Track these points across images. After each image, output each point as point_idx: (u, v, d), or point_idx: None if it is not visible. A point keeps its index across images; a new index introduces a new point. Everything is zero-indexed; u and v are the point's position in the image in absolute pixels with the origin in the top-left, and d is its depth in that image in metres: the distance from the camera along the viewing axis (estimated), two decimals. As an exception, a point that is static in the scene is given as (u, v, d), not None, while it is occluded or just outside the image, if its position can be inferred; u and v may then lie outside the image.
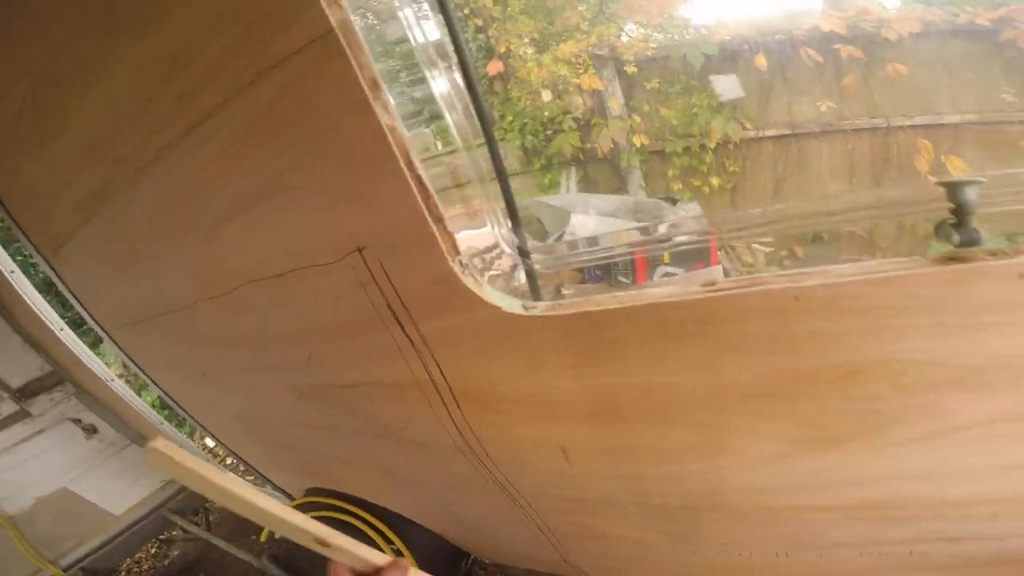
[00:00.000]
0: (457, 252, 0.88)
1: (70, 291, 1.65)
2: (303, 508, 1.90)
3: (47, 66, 1.05)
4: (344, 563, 0.68)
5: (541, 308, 0.88)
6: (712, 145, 5.18)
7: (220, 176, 0.99)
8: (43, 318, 1.97)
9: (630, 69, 5.35)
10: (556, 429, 1.04)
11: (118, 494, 2.63)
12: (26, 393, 2.34)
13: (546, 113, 5.52)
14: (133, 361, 1.86)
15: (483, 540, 1.75)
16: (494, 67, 5.65)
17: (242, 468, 2.26)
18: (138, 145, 1.05)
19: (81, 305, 1.69)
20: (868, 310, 0.66)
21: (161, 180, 1.09)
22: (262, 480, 2.22)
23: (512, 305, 0.89)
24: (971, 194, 0.63)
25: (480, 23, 5.74)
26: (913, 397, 0.72)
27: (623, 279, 2.79)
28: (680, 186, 5.36)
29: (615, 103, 5.40)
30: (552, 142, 5.49)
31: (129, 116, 1.01)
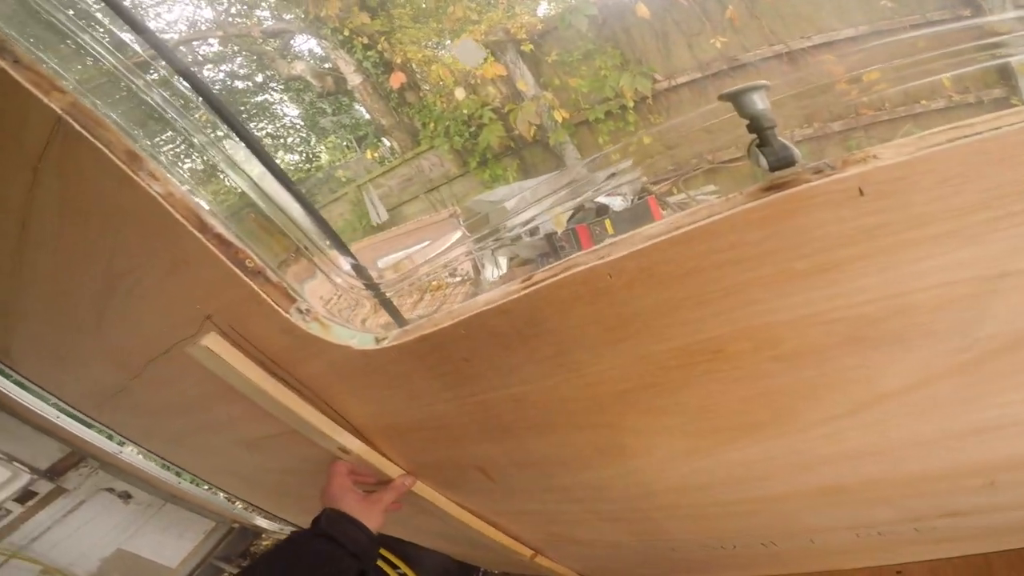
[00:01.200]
0: (291, 300, 0.83)
1: (36, 384, 1.71)
2: None
3: None
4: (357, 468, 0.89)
5: (391, 338, 0.82)
6: (631, 104, 5.19)
7: (69, 273, 0.98)
8: (36, 409, 2.06)
9: (527, 47, 5.30)
10: (462, 450, 1.00)
11: (169, 549, 2.79)
12: (56, 472, 2.49)
13: (464, 111, 5.44)
14: (120, 435, 1.93)
15: (479, 552, 1.73)
16: (396, 79, 5.56)
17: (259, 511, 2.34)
18: (3, 259, 1.04)
19: (53, 394, 1.75)
20: (692, 272, 0.56)
21: (36, 287, 1.08)
22: (280, 521, 2.29)
23: (364, 341, 0.84)
24: (759, 102, 0.52)
25: (366, 40, 5.62)
26: (807, 368, 0.63)
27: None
28: (614, 149, 5.27)
29: (524, 85, 5.31)
30: (479, 138, 5.39)
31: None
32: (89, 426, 1.92)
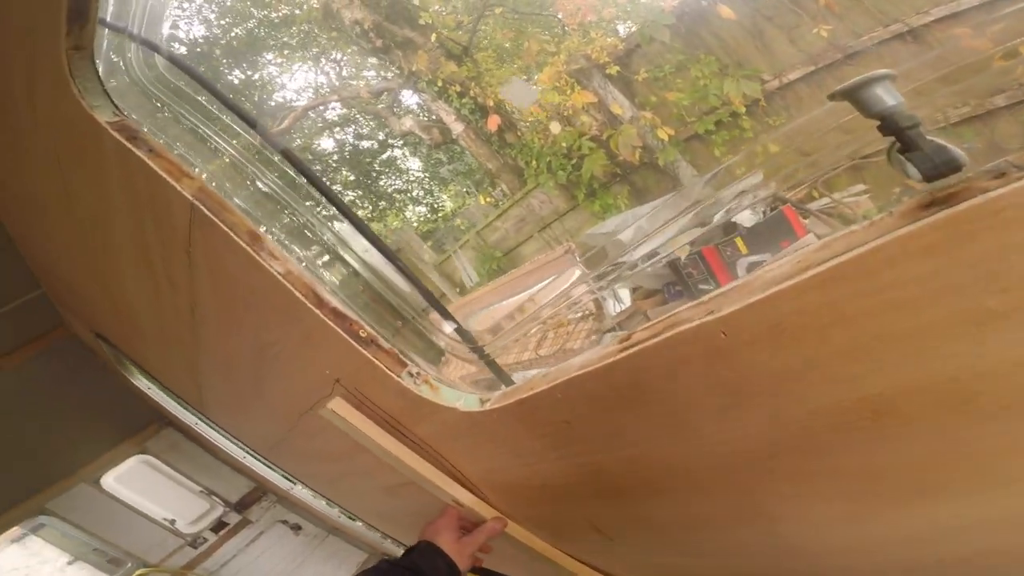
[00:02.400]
0: (403, 365, 0.87)
1: (222, 430, 2.03)
2: None
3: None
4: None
5: (493, 400, 0.81)
6: (742, 110, 4.60)
7: (230, 343, 1.14)
8: (227, 450, 2.43)
9: (613, 70, 5.04)
10: (573, 508, 0.93)
11: (332, 579, 3.08)
12: (243, 505, 2.92)
13: (563, 144, 5.35)
14: (289, 475, 2.19)
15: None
16: (492, 122, 5.69)
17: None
18: (183, 332, 1.26)
19: (235, 439, 2.07)
20: (837, 323, 0.45)
21: (210, 355, 1.29)
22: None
23: (469, 403, 0.84)
24: (885, 97, 0.40)
25: (458, 88, 5.86)
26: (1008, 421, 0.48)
27: (704, 286, 2.40)
28: (737, 162, 4.72)
29: (619, 108, 5.04)
30: (582, 170, 5.24)
31: (161, 319, 1.22)
32: (267, 466, 2.22)
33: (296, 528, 2.99)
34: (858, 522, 0.68)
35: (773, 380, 0.51)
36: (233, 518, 2.89)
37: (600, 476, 0.80)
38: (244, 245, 0.78)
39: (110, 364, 1.94)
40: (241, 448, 2.20)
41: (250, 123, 0.82)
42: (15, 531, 2.53)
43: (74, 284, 1.60)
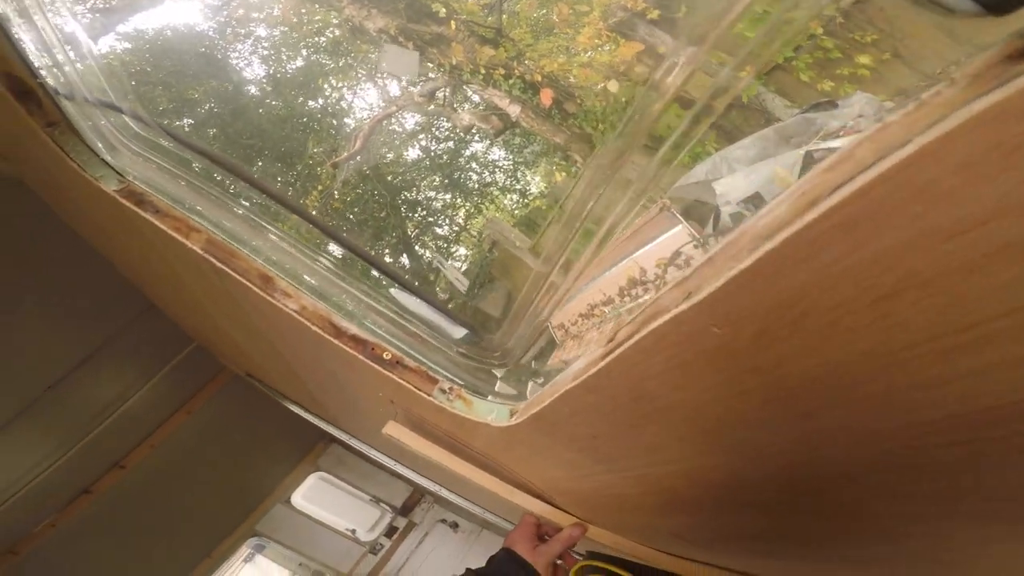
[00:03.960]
0: (433, 382, 0.81)
1: (360, 440, 2.22)
2: (585, 569, 1.94)
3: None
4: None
5: (519, 413, 0.70)
6: (819, 31, 3.59)
7: (311, 372, 1.20)
8: (380, 459, 2.65)
9: (653, 14, 4.23)
10: (646, 519, 0.78)
11: (486, 574, 3.21)
12: (407, 509, 3.17)
13: (624, 99, 4.73)
14: (423, 475, 2.31)
15: None
16: (546, 96, 5.22)
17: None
18: (282, 365, 1.37)
19: (372, 447, 2.24)
20: (905, 290, 0.26)
21: (312, 384, 1.38)
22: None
23: (501, 416, 0.75)
24: None
25: (503, 71, 5.48)
26: None
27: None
28: (831, 84, 3.74)
29: (666, 50, 4.25)
30: (657, 124, 4.53)
31: (264, 355, 1.33)
32: (409, 469, 2.36)
33: (454, 526, 3.17)
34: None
35: (816, 385, 0.32)
36: (401, 522, 3.14)
37: (660, 489, 0.65)
38: (257, 289, 0.78)
39: (268, 396, 2.23)
40: (383, 455, 2.38)
41: (257, 186, 0.83)
42: (244, 551, 3.05)
43: (206, 333, 1.87)
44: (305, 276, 0.84)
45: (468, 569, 0.91)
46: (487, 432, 0.79)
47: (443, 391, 0.80)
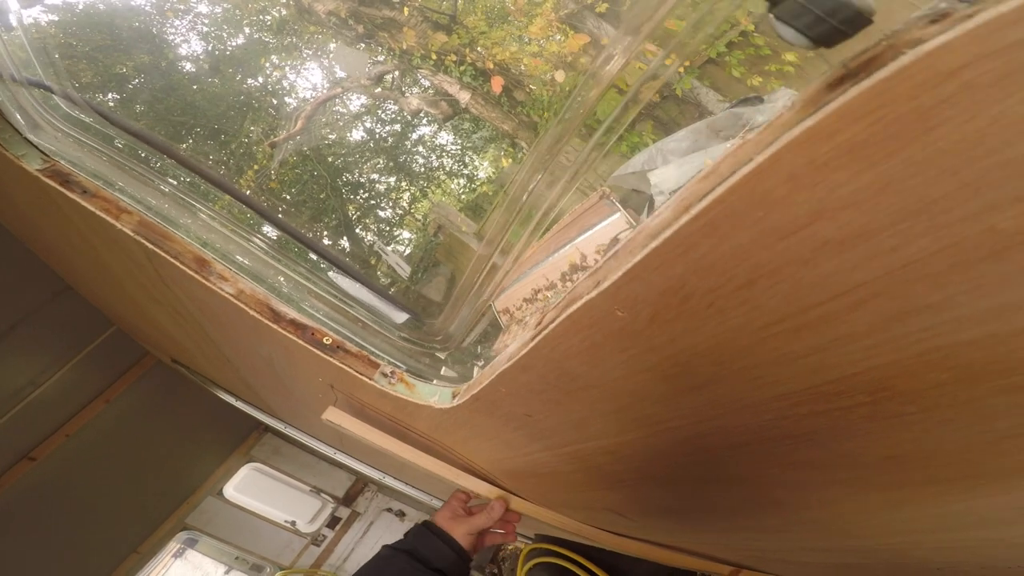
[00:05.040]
0: (375, 366, 0.82)
1: (297, 429, 2.18)
2: (533, 552, 2.01)
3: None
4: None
5: (460, 395, 0.74)
6: (751, 28, 3.97)
7: (245, 358, 1.18)
8: (320, 448, 2.62)
9: (602, 7, 4.47)
10: (583, 495, 0.84)
11: (439, 557, 3.25)
12: (349, 498, 3.15)
13: (567, 89, 4.93)
14: (366, 463, 2.30)
15: None
16: (496, 84, 5.32)
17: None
18: (213, 350, 1.33)
19: (310, 435, 2.20)
20: (763, 278, 0.32)
21: (245, 371, 1.35)
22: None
23: (444, 398, 0.78)
24: None
25: (454, 58, 5.53)
26: None
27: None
28: (759, 80, 4.11)
29: (622, 45, 4.47)
30: (598, 113, 4.75)
31: (194, 340, 1.29)
32: (351, 457, 2.36)
33: (400, 515, 3.18)
34: (909, 507, 0.53)
35: (708, 360, 0.38)
36: (344, 512, 3.12)
37: (589, 466, 0.71)
38: (192, 272, 0.77)
39: (196, 383, 2.14)
40: (322, 443, 2.35)
41: (195, 170, 0.81)
42: (174, 547, 2.92)
43: (129, 318, 1.77)
44: (241, 259, 0.83)
45: (384, 545, 0.93)
46: (430, 414, 0.82)
47: (385, 375, 0.82)
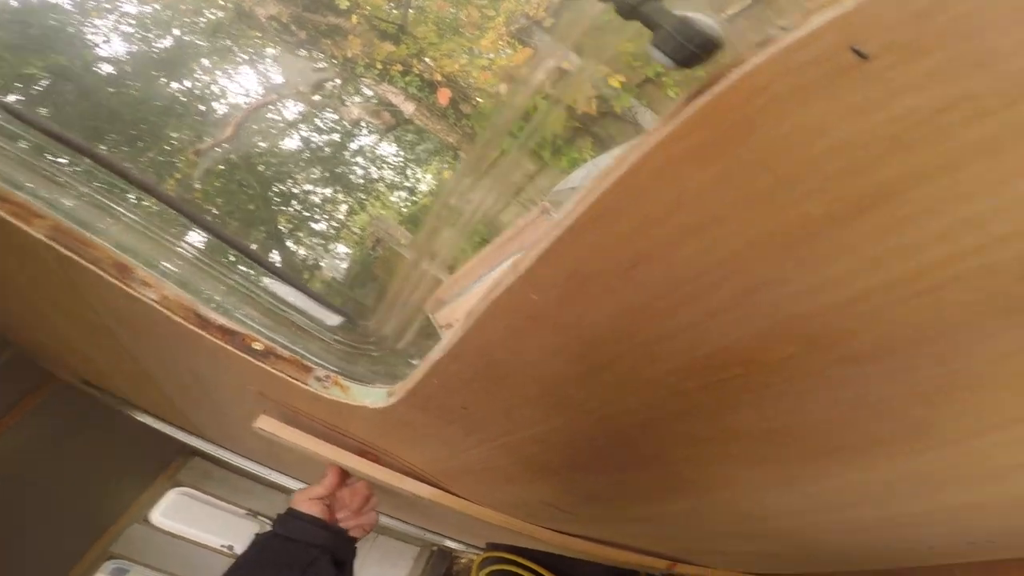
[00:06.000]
0: (308, 370, 0.83)
1: (228, 449, 2.07)
2: (486, 561, 2.02)
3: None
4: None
5: (396, 393, 0.75)
6: None
7: (168, 374, 1.13)
8: (254, 470, 2.49)
9: (548, 22, 4.81)
10: (520, 489, 0.88)
11: (389, 577, 3.17)
12: (285, 519, 3.01)
13: (497, 102, 5.18)
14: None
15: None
16: (443, 96, 5.48)
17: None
18: (131, 366, 1.26)
19: (241, 455, 2.11)
20: (638, 264, 0.37)
21: (169, 387, 1.29)
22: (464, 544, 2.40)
23: (378, 398, 0.79)
24: None
25: (400, 68, 5.63)
26: (922, 365, 0.38)
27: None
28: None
29: (566, 63, 4.80)
30: (542, 129, 5.03)
31: (108, 356, 1.21)
32: (290, 477, 2.26)
33: (341, 531, 3.07)
34: (798, 484, 0.61)
35: (606, 338, 0.43)
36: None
37: (521, 457, 0.75)
38: (112, 279, 0.74)
39: (111, 406, 1.99)
40: (256, 464, 2.25)
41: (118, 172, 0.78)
42: None
43: (33, 336, 1.63)
44: (165, 265, 0.81)
45: (256, 533, 0.92)
46: (365, 416, 0.83)
47: (319, 379, 0.82)
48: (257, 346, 0.80)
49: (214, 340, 0.78)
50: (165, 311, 0.75)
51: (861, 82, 0.23)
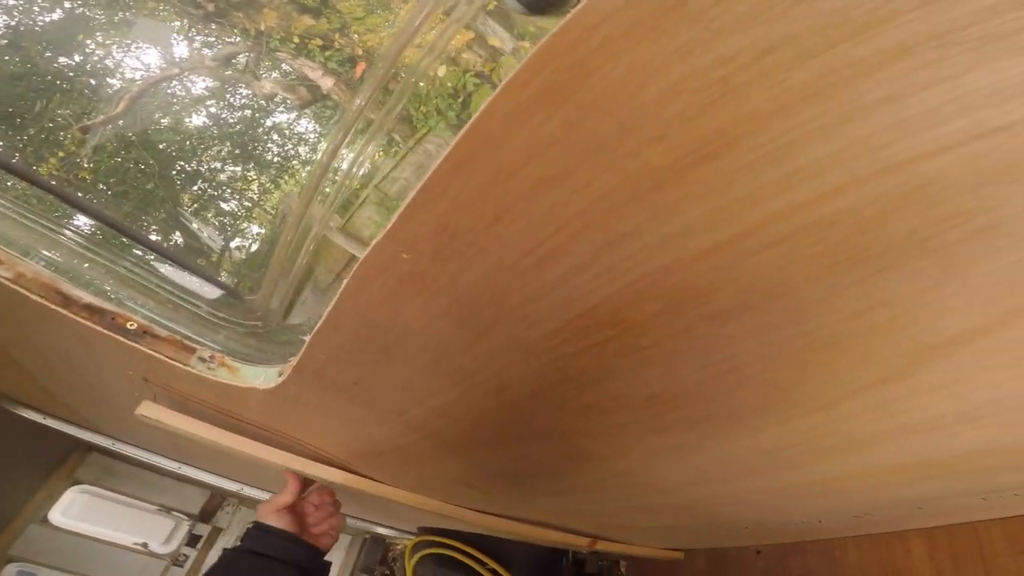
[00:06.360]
0: (191, 351, 0.76)
1: (133, 445, 1.92)
2: (418, 545, 2.00)
3: None
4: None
5: (286, 371, 0.71)
6: None
7: (38, 360, 1.01)
8: (162, 464, 2.32)
9: (491, 4, 4.77)
10: (429, 468, 0.86)
11: (318, 567, 3.08)
12: (207, 514, 2.84)
13: (449, 84, 5.08)
14: (216, 473, 2.10)
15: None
16: (359, 69, 5.31)
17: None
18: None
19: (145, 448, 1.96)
20: (503, 217, 0.35)
21: (43, 375, 1.15)
22: (395, 529, 2.36)
23: (269, 378, 0.74)
24: None
25: (320, 42, 5.37)
26: (781, 325, 0.39)
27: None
28: None
29: (497, 41, 4.80)
30: (470, 107, 5.01)
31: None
32: (198, 468, 2.12)
33: (267, 525, 2.95)
34: (686, 452, 0.63)
35: (484, 301, 0.41)
36: (203, 529, 2.81)
37: (426, 434, 0.73)
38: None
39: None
40: (162, 457, 2.10)
41: None
42: None
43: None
44: (19, 239, 0.71)
45: (225, 548, 0.86)
46: (258, 398, 0.78)
47: (203, 360, 0.76)
48: (131, 326, 0.73)
49: (79, 320, 0.70)
50: (20, 289, 0.66)
51: (685, 22, 0.23)
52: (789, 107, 0.25)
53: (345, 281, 0.45)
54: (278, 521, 0.85)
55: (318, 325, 0.52)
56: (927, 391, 0.46)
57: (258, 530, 0.84)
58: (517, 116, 0.28)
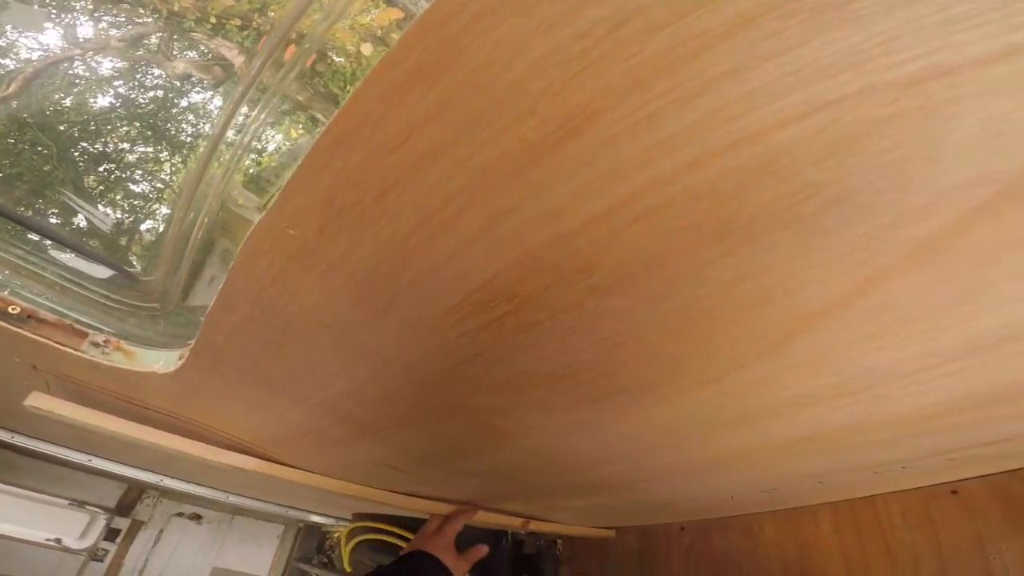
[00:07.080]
0: (83, 335, 0.70)
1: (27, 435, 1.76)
2: (353, 532, 1.97)
3: None
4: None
5: (185, 354, 0.67)
6: None
7: None
8: (70, 457, 2.15)
9: None
10: (351, 451, 0.85)
11: (253, 558, 2.98)
12: (125, 508, 2.68)
13: (374, 62, 5.00)
14: (130, 465, 1.98)
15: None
16: (290, 52, 5.10)
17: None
18: None
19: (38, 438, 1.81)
20: (391, 190, 0.34)
21: None
22: (331, 517, 2.31)
23: (169, 362, 0.70)
24: None
25: (238, 22, 5.07)
26: (661, 296, 0.40)
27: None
28: None
29: None
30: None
31: None
32: (110, 461, 1.98)
33: (196, 518, 2.81)
34: (592, 429, 0.65)
35: (382, 277, 0.41)
36: (122, 523, 2.65)
37: (340, 416, 0.71)
38: None
39: None
40: (68, 449, 1.94)
41: None
42: None
43: None
44: None
45: (380, 565, 0.93)
46: (158, 383, 0.73)
47: (96, 344, 0.70)
48: (12, 310, 0.66)
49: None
50: None
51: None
52: (643, 81, 0.26)
53: (233, 260, 0.43)
54: (432, 550, 1.01)
55: (210, 306, 0.50)
56: (804, 363, 0.50)
57: (415, 554, 0.99)
58: (393, 93, 0.27)
